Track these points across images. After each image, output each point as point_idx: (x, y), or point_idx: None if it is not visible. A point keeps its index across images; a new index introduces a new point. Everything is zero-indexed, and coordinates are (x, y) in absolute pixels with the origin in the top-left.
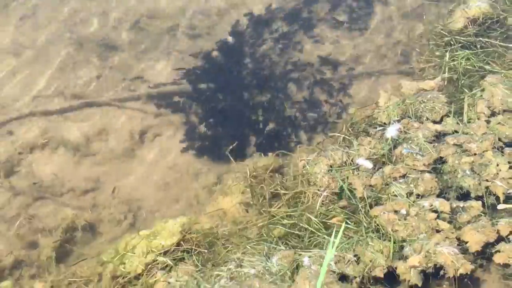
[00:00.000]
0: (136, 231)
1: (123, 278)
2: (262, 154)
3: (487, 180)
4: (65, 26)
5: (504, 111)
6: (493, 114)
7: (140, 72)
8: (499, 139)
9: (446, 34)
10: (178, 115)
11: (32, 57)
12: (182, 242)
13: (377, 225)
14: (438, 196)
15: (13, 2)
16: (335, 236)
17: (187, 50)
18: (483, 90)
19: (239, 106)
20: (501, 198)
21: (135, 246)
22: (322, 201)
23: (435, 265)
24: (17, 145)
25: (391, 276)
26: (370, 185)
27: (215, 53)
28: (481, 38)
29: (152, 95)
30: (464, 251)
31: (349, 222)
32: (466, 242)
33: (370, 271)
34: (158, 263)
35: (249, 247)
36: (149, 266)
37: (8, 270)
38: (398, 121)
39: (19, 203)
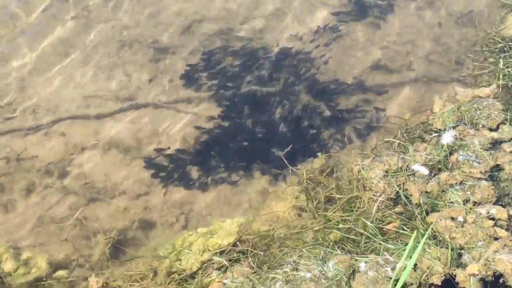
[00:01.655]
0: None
1: (178, 275)
2: (319, 154)
3: None
4: (115, 27)
5: None
6: None
7: None
8: None
9: (499, 40)
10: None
11: (83, 58)
12: (238, 243)
13: (434, 232)
14: (495, 203)
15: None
16: (406, 244)
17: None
18: None
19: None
20: None
21: (192, 243)
22: (378, 206)
23: (494, 273)
24: (69, 146)
25: (449, 283)
26: (426, 192)
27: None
28: None
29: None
30: None
31: (405, 228)
32: None
33: (427, 278)
34: (213, 263)
35: (305, 251)
36: (205, 264)
37: (63, 269)
38: (454, 127)
39: (71, 204)
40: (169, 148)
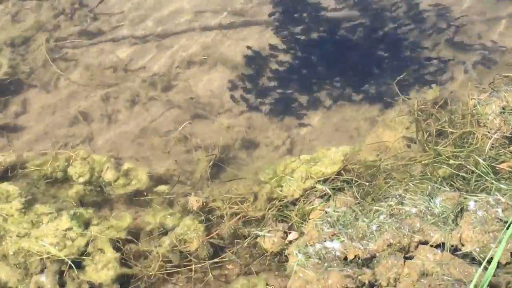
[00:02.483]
0: (295, 155)
1: (279, 201)
2: (433, 85)
3: None
4: None
5: None
6: None
7: None
8: None
9: None
10: None
11: None
12: (342, 172)
13: None
14: None
15: None
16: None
17: None
18: None
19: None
20: None
21: (294, 170)
22: (492, 144)
23: None
24: (176, 59)
25: None
26: None
27: None
28: None
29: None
30: None
31: None
32: None
33: None
34: (316, 191)
35: (411, 185)
36: (307, 192)
37: (163, 183)
38: None
39: (175, 117)
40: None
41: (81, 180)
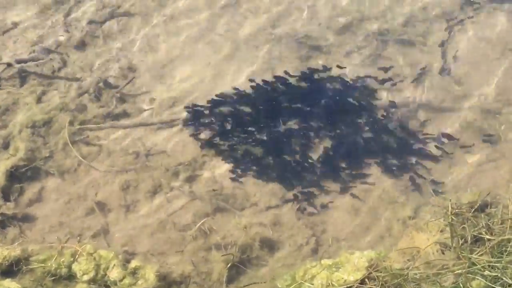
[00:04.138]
0: (317, 258)
1: None
2: (469, 189)
3: None
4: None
5: None
6: None
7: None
8: None
9: None
10: None
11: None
12: (366, 280)
13: None
14: None
15: None
16: None
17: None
18: None
19: None
20: None
21: (315, 276)
22: None
23: None
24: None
25: None
26: None
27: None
28: None
29: None
30: None
31: None
32: None
33: None
34: None
35: None
36: None
37: (176, 285)
38: None
39: (196, 211)
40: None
41: (86, 278)
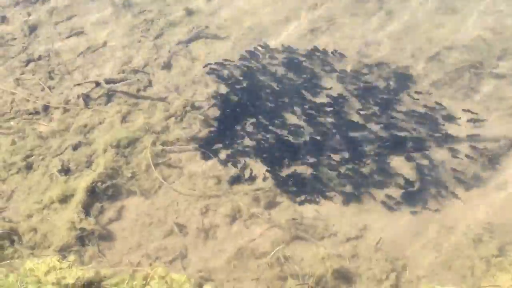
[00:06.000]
0: None
1: None
2: None
3: None
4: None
5: None
6: None
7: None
8: None
9: None
10: None
11: None
12: None
13: None
14: None
15: None
16: None
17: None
18: None
19: None
20: None
21: None
22: None
23: None
24: None
25: None
26: None
27: None
28: None
29: None
30: None
31: None
32: None
33: None
34: None
35: None
36: None
37: None
38: None
39: (274, 239)
40: None
41: None
